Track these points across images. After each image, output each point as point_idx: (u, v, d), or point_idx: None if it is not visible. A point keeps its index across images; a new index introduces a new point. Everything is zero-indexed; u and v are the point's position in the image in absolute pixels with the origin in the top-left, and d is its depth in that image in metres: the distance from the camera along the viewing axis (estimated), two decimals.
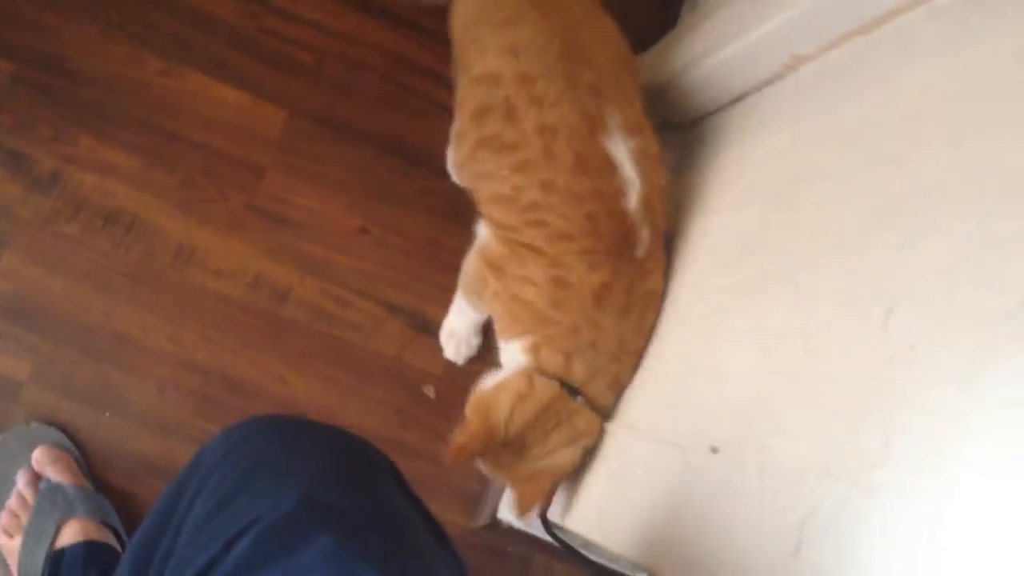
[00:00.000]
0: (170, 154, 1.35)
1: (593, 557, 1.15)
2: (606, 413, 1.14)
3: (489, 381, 1.12)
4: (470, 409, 1.10)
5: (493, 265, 1.16)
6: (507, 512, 1.33)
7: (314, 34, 1.42)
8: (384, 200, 1.40)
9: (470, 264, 1.21)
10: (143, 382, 1.31)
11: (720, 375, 0.94)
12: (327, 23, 1.42)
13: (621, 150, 1.07)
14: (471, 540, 1.40)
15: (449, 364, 1.37)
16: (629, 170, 1.06)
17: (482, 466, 1.13)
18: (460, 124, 1.17)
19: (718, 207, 1.13)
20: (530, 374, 1.08)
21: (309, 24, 1.42)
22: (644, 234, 1.09)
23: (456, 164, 1.23)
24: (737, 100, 1.19)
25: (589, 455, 1.15)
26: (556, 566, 1.42)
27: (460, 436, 1.06)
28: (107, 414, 1.30)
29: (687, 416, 0.97)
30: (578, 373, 1.09)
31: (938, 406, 0.60)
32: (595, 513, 1.10)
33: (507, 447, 1.10)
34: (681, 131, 1.32)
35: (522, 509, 1.11)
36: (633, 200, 1.07)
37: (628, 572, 1.13)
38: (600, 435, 1.12)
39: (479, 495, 1.40)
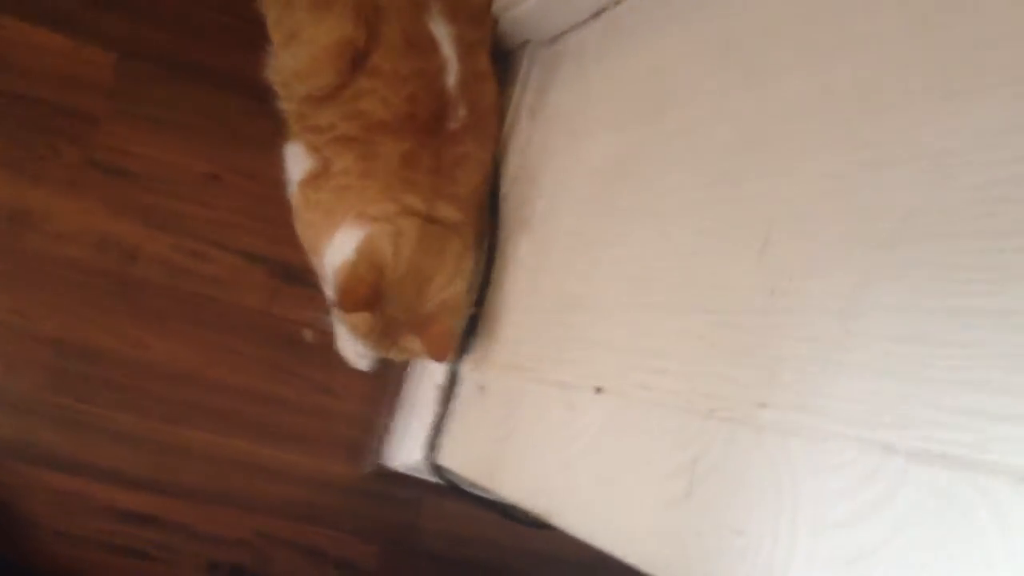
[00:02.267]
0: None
1: (484, 494, 1.21)
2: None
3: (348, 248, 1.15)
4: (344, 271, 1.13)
5: (310, 184, 1.23)
6: (393, 458, 1.37)
7: None
8: (233, 143, 1.39)
9: (297, 210, 1.26)
10: None
11: (600, 309, 0.99)
12: None
13: (441, 31, 1.21)
14: (359, 488, 1.43)
15: (325, 315, 1.39)
16: (448, 50, 1.20)
17: (369, 332, 1.16)
18: (288, 22, 1.22)
19: (590, 129, 1.17)
20: (389, 220, 1.13)
21: None
22: (460, 111, 1.21)
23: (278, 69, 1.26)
24: (597, 15, 1.22)
25: (476, 395, 1.20)
26: (448, 506, 1.47)
27: (347, 282, 1.10)
28: None
29: (570, 353, 1.01)
30: (417, 206, 1.15)
31: (821, 338, 0.65)
32: (482, 460, 1.15)
33: (399, 291, 1.14)
34: (545, 47, 1.35)
35: (439, 351, 1.16)
36: (451, 79, 1.20)
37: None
38: (471, 255, 1.19)
39: (363, 444, 1.43)
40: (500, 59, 1.34)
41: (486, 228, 1.27)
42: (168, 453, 1.35)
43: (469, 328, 1.25)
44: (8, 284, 1.29)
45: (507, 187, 1.29)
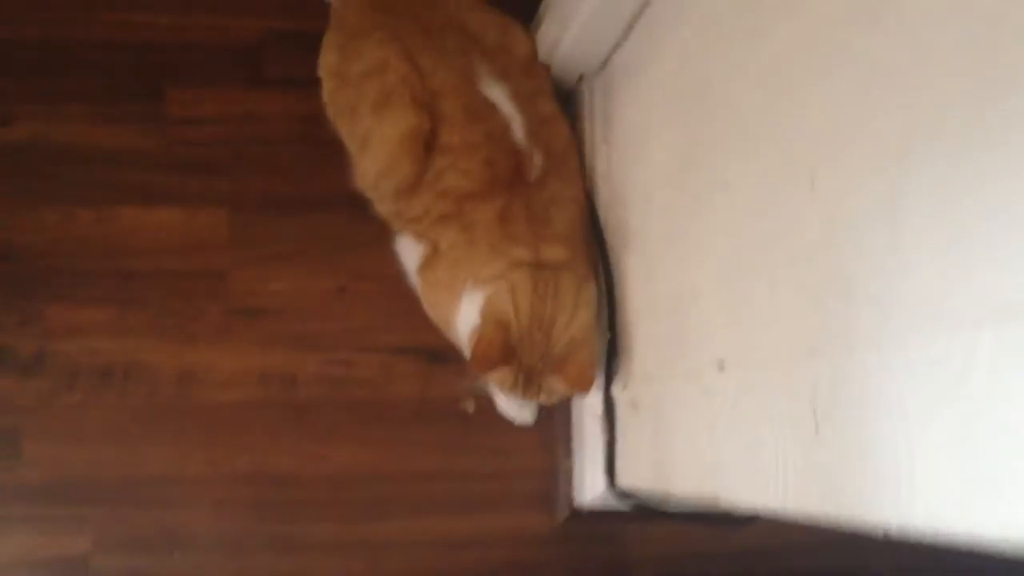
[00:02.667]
0: (134, 293, 1.45)
1: (675, 509, 1.25)
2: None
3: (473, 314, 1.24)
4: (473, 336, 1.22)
5: (426, 268, 1.32)
6: (582, 497, 1.43)
7: (219, 128, 1.51)
8: (347, 253, 1.50)
9: (422, 295, 1.37)
10: (198, 511, 1.42)
11: (700, 293, 1.04)
12: (227, 112, 1.51)
13: (497, 93, 1.30)
14: (560, 535, 1.49)
15: (476, 378, 1.46)
16: (507, 107, 1.30)
17: (514, 385, 1.24)
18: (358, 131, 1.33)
19: (653, 133, 1.23)
20: (502, 277, 1.22)
21: (210, 121, 1.51)
22: (536, 159, 1.29)
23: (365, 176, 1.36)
24: (629, 29, 1.29)
25: (631, 412, 1.25)
26: (650, 531, 1.52)
27: (478, 346, 1.18)
28: (176, 554, 1.41)
29: (688, 344, 1.07)
30: (524, 256, 1.23)
31: (876, 250, 0.70)
32: (651, 469, 1.20)
33: (528, 340, 1.21)
34: (598, 75, 1.43)
35: (581, 383, 1.22)
36: (519, 132, 1.29)
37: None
38: (589, 285, 1.25)
39: (550, 493, 1.50)
40: (565, 99, 1.42)
41: (596, 258, 1.33)
42: (375, 550, 1.44)
43: (611, 352, 1.30)
44: (195, 439, 1.42)
45: (604, 214, 1.35)
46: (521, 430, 1.49)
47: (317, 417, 1.45)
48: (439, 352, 1.48)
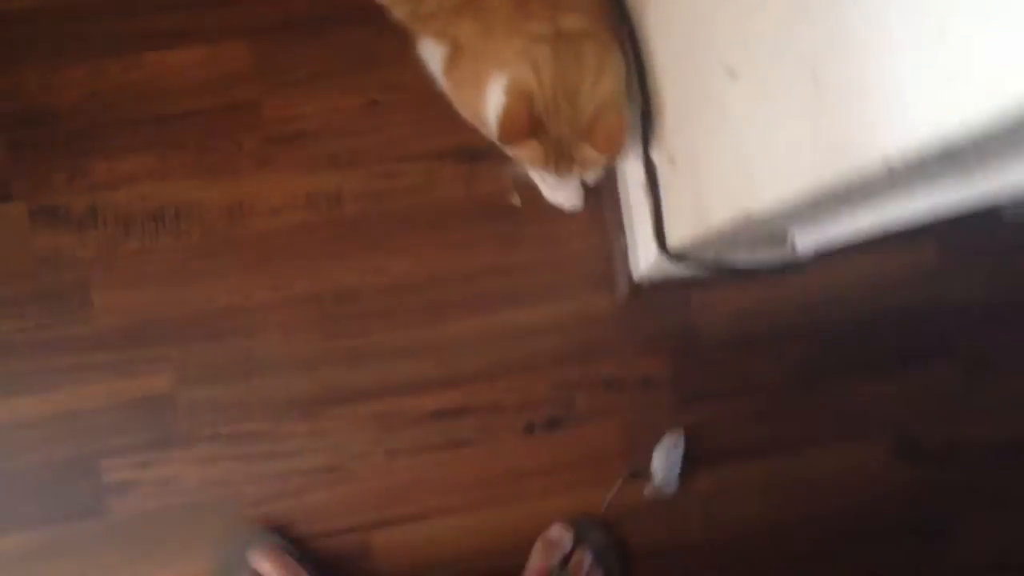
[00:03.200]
0: (172, 136, 1.48)
1: (735, 264, 1.29)
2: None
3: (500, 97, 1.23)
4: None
5: (451, 66, 1.32)
6: (639, 268, 1.45)
7: None
8: (373, 67, 1.51)
9: (451, 94, 1.36)
10: (269, 335, 1.47)
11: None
12: None
13: None
14: (624, 311, 1.52)
15: (519, 171, 1.48)
16: None
17: (546, 159, 1.25)
18: None
19: None
20: (522, 53, 1.21)
21: None
22: None
23: None
24: None
25: (670, 169, 1.26)
26: (712, 292, 1.54)
27: (504, 118, 1.19)
28: (254, 379, 1.46)
29: (699, 57, 1.08)
30: (542, 30, 1.22)
31: None
32: (693, 212, 1.21)
33: (554, 110, 1.22)
34: None
35: (610, 146, 1.22)
36: None
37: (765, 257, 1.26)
38: (613, 50, 1.24)
39: (608, 271, 1.52)
40: None
41: (619, 23, 1.33)
42: (445, 350, 1.48)
43: (645, 117, 1.30)
44: (255, 267, 1.47)
45: None
46: (571, 216, 1.51)
47: (368, 231, 1.48)
48: (478, 151, 1.50)
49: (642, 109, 1.30)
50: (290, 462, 1.46)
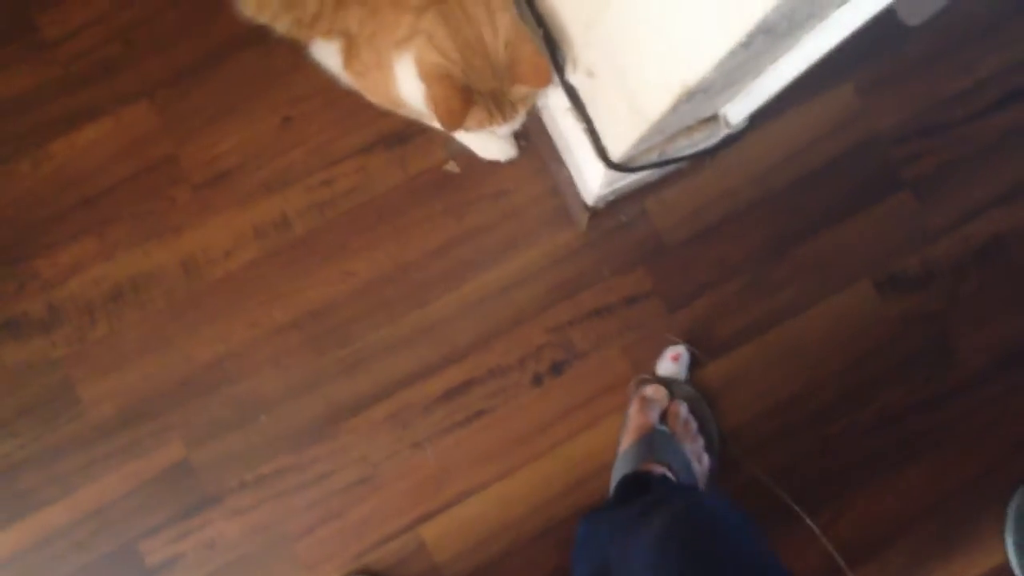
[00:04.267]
0: (104, 213, 1.50)
1: (671, 156, 1.34)
2: None
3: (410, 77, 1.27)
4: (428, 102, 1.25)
5: (350, 58, 1.34)
6: (591, 193, 1.49)
7: (98, 29, 1.54)
8: (274, 86, 1.53)
9: (359, 86, 1.38)
10: (261, 373, 1.49)
11: None
12: (98, 11, 1.55)
13: None
14: (591, 239, 1.56)
15: (448, 140, 1.53)
16: None
17: (490, 117, 1.28)
18: None
19: None
20: (415, 30, 1.25)
21: (87, 27, 1.55)
22: None
23: None
24: None
25: (591, 83, 1.29)
26: (665, 197, 1.59)
27: (438, 109, 1.21)
28: (262, 418, 1.49)
29: None
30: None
31: None
32: (628, 117, 1.23)
33: (473, 70, 1.24)
34: None
35: (539, 74, 1.25)
36: None
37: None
38: None
39: (564, 206, 1.56)
40: None
41: None
42: (434, 331, 1.51)
43: (550, 45, 1.33)
44: (226, 313, 1.49)
45: None
46: (510, 165, 1.55)
47: (324, 242, 1.51)
48: (401, 133, 1.53)
49: (544, 39, 1.33)
50: (323, 486, 1.48)
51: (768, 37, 0.88)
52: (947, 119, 1.64)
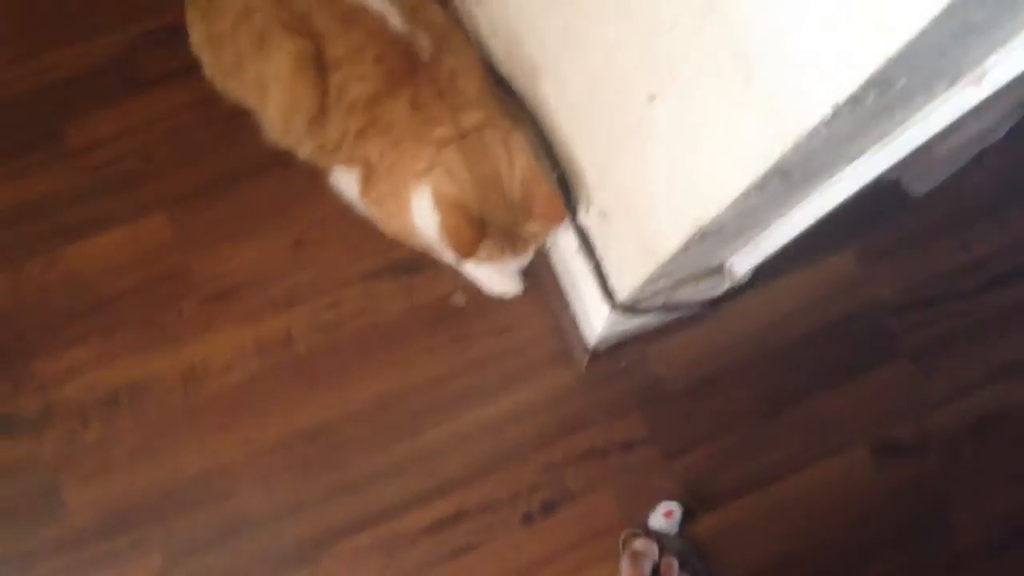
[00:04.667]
0: (109, 319, 1.52)
1: (676, 303, 1.37)
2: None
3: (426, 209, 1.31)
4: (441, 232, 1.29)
5: (368, 187, 1.40)
6: (594, 334, 1.49)
7: (124, 142, 1.60)
8: (289, 209, 1.57)
9: (374, 215, 1.44)
10: (249, 491, 1.48)
11: (612, 58, 1.14)
12: (124, 126, 1.61)
13: None
14: (590, 380, 1.58)
15: (457, 276, 1.56)
16: (376, 3, 1.33)
17: (500, 252, 1.32)
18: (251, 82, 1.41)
19: None
20: (435, 162, 1.30)
21: (113, 139, 1.61)
22: (423, 41, 1.33)
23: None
24: None
25: (603, 224, 1.33)
26: (667, 344, 1.61)
27: (450, 239, 1.26)
28: (244, 537, 1.47)
29: (618, 108, 1.14)
30: (446, 133, 1.31)
31: None
32: (638, 253, 1.25)
33: (488, 204, 1.30)
34: None
35: (553, 212, 1.31)
36: (396, 21, 1.32)
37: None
38: (515, 131, 1.33)
39: (565, 346, 1.58)
40: None
41: (513, 108, 1.42)
42: (426, 461, 1.51)
43: (563, 186, 1.38)
44: (219, 428, 1.49)
45: (507, 67, 1.45)
46: (513, 302, 1.57)
47: (324, 363, 1.52)
48: (410, 263, 1.57)
49: (558, 179, 1.37)
50: None
51: (783, 182, 0.91)
52: (946, 292, 1.68)
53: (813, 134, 0.77)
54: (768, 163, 0.85)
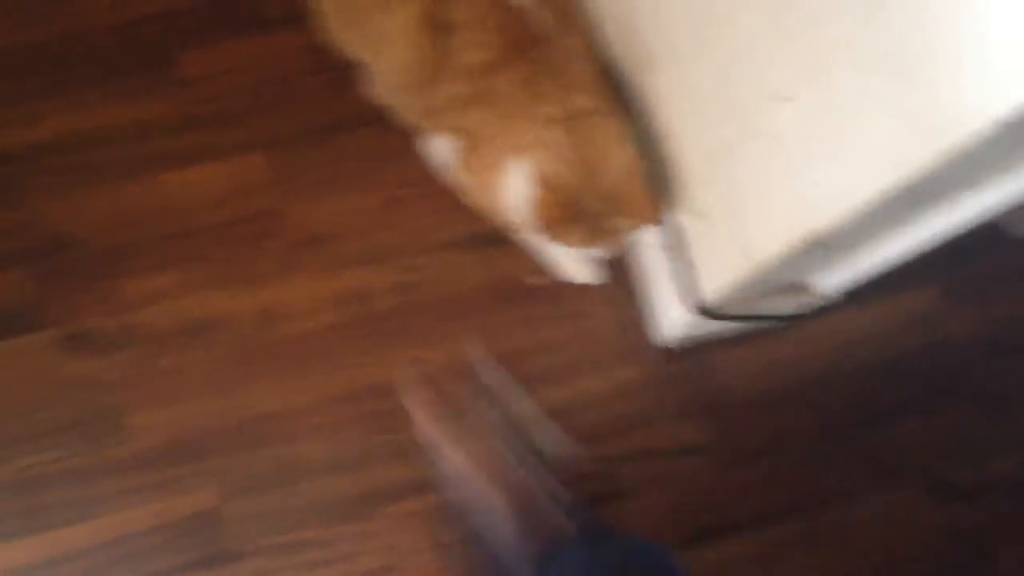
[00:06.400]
0: (197, 250, 1.55)
1: (759, 313, 1.37)
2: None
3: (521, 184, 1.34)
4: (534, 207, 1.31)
5: (468, 156, 1.43)
6: (671, 332, 1.52)
7: (233, 79, 1.63)
8: (385, 166, 1.60)
9: (465, 181, 1.47)
10: (309, 439, 1.51)
11: (740, 50, 1.15)
12: (236, 62, 1.64)
13: None
14: (658, 380, 1.60)
15: (537, 255, 1.58)
16: None
17: (587, 238, 1.35)
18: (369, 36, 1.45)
19: None
20: (539, 139, 1.33)
21: (223, 74, 1.64)
22: (546, 18, 1.36)
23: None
24: None
25: (698, 224, 1.35)
26: (736, 352, 1.61)
27: (543, 214, 1.29)
28: (301, 484, 1.50)
29: (742, 105, 1.17)
30: (554, 113, 1.34)
31: None
32: (734, 255, 1.26)
33: (584, 190, 1.32)
34: None
35: (646, 212, 1.33)
36: None
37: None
38: (622, 122, 1.35)
39: (636, 341, 1.61)
40: None
41: (622, 98, 1.44)
42: None
43: (663, 186, 1.40)
44: (289, 372, 1.52)
45: (616, 53, 1.49)
46: (592, 289, 1.60)
47: (399, 324, 1.55)
48: (493, 235, 1.58)
49: (660, 174, 1.39)
50: (344, 567, 1.47)
51: (910, 200, 0.92)
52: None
53: (965, 151, 0.77)
54: (905, 177, 0.86)
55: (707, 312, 1.36)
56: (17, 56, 1.64)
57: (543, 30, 1.38)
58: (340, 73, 1.59)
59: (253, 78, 1.63)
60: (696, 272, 1.37)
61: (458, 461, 1.30)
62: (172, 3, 1.66)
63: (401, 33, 1.39)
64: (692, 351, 1.55)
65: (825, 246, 1.08)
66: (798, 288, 1.42)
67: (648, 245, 1.49)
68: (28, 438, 1.47)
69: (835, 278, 1.37)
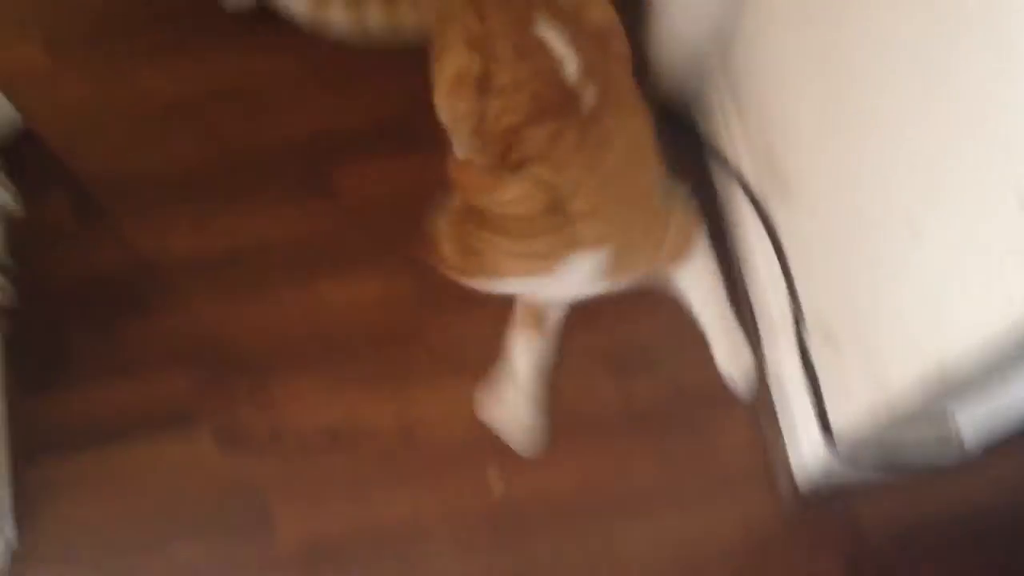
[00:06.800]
0: (346, 356, 1.65)
1: (895, 459, 1.34)
2: None
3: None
4: None
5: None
6: (804, 472, 1.49)
7: (386, 196, 1.76)
8: None
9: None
10: (444, 551, 1.58)
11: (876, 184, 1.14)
12: (391, 181, 1.77)
13: (549, 34, 1.40)
14: (791, 522, 1.56)
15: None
16: (560, 48, 1.39)
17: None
18: None
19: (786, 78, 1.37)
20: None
21: (377, 189, 1.77)
22: (589, 93, 1.38)
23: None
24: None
25: (827, 348, 1.33)
26: (878, 498, 1.58)
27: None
28: None
29: (874, 229, 1.16)
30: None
31: None
32: (870, 395, 1.22)
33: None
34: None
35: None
36: (571, 70, 1.38)
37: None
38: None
39: (772, 479, 1.58)
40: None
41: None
42: (614, 561, 1.55)
43: (793, 302, 1.41)
44: (428, 485, 1.61)
45: (756, 177, 1.50)
46: (726, 408, 1.61)
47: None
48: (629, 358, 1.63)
49: (790, 295, 1.40)
50: None
51: None
52: None
53: None
54: None
55: (843, 458, 1.36)
56: (190, 170, 1.78)
57: (583, 107, 1.42)
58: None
59: (403, 197, 1.67)
60: (832, 406, 1.35)
61: None
62: (330, 123, 1.81)
63: (444, 84, 1.48)
64: (830, 492, 1.53)
65: (957, 385, 1.03)
66: (943, 435, 1.36)
67: (783, 367, 1.49)
68: (181, 530, 1.56)
69: (980, 425, 1.30)
